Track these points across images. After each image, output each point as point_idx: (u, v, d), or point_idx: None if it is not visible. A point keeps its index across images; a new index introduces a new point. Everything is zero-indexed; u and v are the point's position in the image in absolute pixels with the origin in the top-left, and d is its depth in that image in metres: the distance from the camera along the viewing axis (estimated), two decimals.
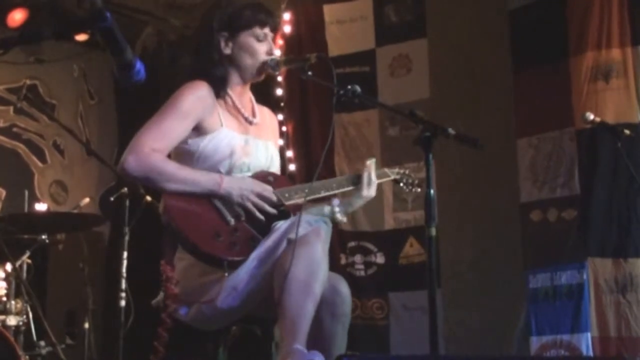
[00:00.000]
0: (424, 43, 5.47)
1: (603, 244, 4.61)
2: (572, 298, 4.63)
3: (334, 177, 3.20)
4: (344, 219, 3.10)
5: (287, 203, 2.87)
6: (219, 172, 2.86)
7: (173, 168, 2.81)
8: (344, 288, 2.87)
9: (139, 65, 1.81)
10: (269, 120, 3.20)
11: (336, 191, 3.04)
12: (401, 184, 3.34)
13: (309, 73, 2.87)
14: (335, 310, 2.82)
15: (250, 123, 3.04)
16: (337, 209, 3.07)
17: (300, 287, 2.57)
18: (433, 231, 2.46)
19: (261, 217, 2.81)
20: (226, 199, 2.80)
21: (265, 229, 2.78)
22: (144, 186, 3.86)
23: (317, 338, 2.69)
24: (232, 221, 2.76)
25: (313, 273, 2.60)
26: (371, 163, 3.12)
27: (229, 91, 3.01)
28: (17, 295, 4.28)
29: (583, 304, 4.58)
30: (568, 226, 4.73)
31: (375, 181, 3.09)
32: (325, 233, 2.70)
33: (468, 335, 4.95)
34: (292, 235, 2.64)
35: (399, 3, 5.59)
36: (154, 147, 2.79)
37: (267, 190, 2.85)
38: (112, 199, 4.23)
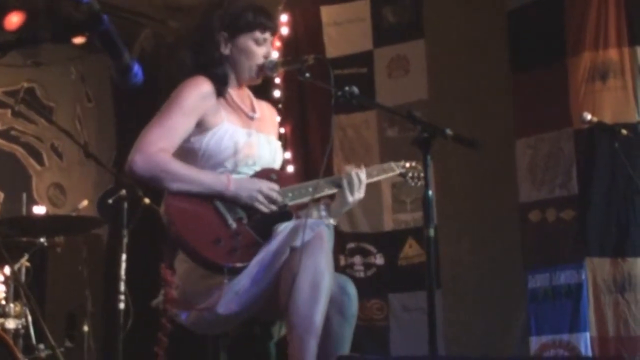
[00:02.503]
0: (422, 44, 5.46)
1: (601, 244, 4.62)
2: (570, 298, 4.63)
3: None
4: (332, 223, 3.09)
5: (290, 203, 2.87)
6: (224, 167, 2.85)
7: (180, 167, 2.78)
8: (352, 289, 2.89)
9: (136, 68, 1.80)
10: (268, 114, 3.20)
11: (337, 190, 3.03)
12: (407, 178, 3.31)
13: (307, 75, 2.86)
14: (344, 310, 2.84)
15: (251, 118, 3.04)
16: (323, 214, 3.06)
17: (306, 304, 2.59)
18: (432, 232, 2.46)
19: (268, 213, 2.80)
20: (230, 201, 2.78)
21: (267, 231, 2.77)
22: (143, 188, 3.85)
23: (326, 338, 2.70)
24: (234, 225, 2.75)
25: (318, 285, 2.61)
26: (350, 169, 3.05)
27: (229, 89, 3.01)
28: (16, 298, 4.28)
29: (582, 303, 4.58)
30: (566, 226, 4.74)
31: (357, 184, 2.98)
32: (328, 237, 2.71)
33: (468, 335, 4.95)
34: (295, 243, 2.64)
35: (397, 4, 5.58)
36: (160, 145, 2.77)
37: (274, 189, 2.85)
38: (110, 201, 4.22)
